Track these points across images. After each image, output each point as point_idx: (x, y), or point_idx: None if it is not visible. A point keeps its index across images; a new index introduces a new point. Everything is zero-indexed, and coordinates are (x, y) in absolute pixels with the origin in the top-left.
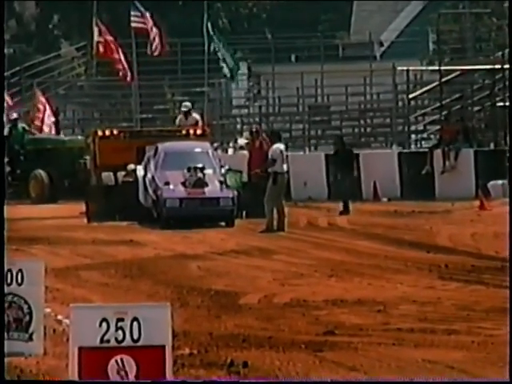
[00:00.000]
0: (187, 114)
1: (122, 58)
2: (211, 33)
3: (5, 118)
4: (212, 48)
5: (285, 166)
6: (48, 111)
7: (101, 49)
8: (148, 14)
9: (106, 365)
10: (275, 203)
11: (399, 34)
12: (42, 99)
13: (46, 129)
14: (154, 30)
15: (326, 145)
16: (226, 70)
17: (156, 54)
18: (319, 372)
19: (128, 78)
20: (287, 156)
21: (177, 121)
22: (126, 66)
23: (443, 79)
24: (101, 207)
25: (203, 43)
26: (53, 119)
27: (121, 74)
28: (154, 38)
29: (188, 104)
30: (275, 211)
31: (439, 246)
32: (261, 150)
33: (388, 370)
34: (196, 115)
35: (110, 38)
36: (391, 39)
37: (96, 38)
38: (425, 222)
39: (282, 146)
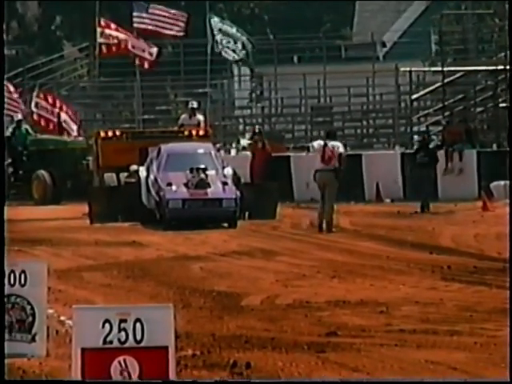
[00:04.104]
0: (192, 112)
1: (140, 43)
2: (215, 22)
3: (8, 119)
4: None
5: (321, 163)
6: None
7: (103, 50)
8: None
9: (108, 366)
10: (322, 201)
11: (402, 34)
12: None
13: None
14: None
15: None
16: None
17: (180, 34)
18: (322, 373)
19: (146, 66)
20: (340, 154)
21: (180, 120)
22: (142, 51)
23: (446, 80)
24: (103, 208)
25: (206, 44)
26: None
27: (138, 63)
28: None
29: (195, 102)
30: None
31: (442, 246)
32: (263, 150)
33: (390, 371)
34: (199, 116)
35: (118, 33)
36: (394, 40)
37: (99, 39)
38: (427, 222)
39: (315, 143)
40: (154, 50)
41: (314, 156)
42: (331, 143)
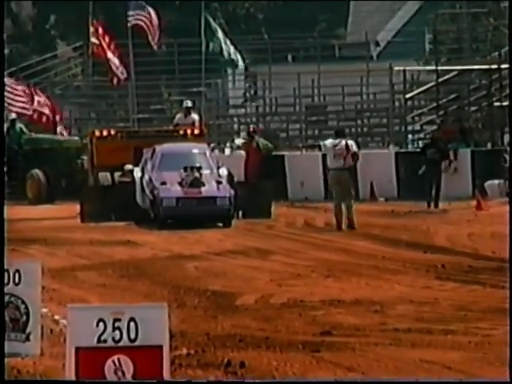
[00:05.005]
0: (187, 111)
1: (114, 59)
2: (213, 26)
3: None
4: (213, 43)
5: (335, 162)
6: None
7: (94, 50)
8: (148, 10)
9: (103, 365)
10: (337, 200)
11: (396, 34)
12: (45, 99)
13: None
14: (155, 22)
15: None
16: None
17: (155, 46)
18: (316, 372)
19: (114, 82)
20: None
21: (175, 119)
22: (116, 68)
23: (440, 79)
24: (95, 207)
25: (200, 43)
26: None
27: (110, 76)
28: (154, 30)
29: (190, 102)
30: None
31: (436, 246)
32: (258, 149)
33: (385, 371)
34: (195, 115)
35: (103, 39)
36: (388, 39)
37: (91, 38)
38: (422, 222)
39: (327, 141)
40: (125, 71)
41: (327, 155)
42: (345, 141)
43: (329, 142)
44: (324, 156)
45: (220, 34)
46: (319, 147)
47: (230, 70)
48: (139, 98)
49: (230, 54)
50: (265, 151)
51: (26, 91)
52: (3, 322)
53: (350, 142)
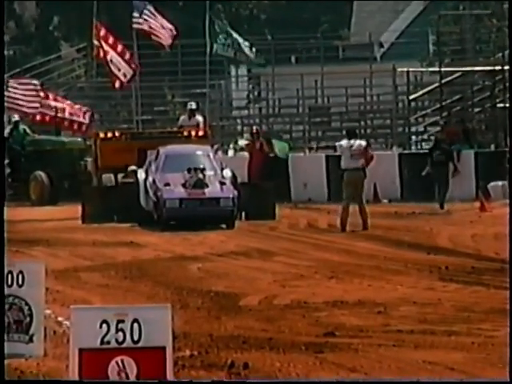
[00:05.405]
0: (192, 113)
1: (119, 61)
2: (218, 28)
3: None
4: (224, 42)
5: (351, 162)
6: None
7: (95, 51)
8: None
9: (106, 366)
10: (347, 201)
11: (399, 35)
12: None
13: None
14: (160, 22)
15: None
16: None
17: (167, 45)
18: (319, 373)
19: (117, 85)
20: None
21: (179, 121)
22: (117, 70)
23: (443, 80)
24: (97, 208)
25: (204, 44)
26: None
27: (112, 79)
28: (162, 31)
29: (194, 103)
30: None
31: (439, 247)
32: (261, 151)
33: (388, 371)
34: (199, 117)
35: (106, 41)
36: (391, 40)
37: (94, 40)
38: (425, 223)
39: (343, 142)
40: (130, 72)
41: (342, 155)
42: (359, 142)
43: (344, 142)
44: (327, 157)
45: (235, 34)
46: (334, 148)
47: (233, 72)
48: (143, 99)
49: (251, 50)
50: (282, 154)
51: (33, 90)
52: (3, 323)
53: (364, 143)
